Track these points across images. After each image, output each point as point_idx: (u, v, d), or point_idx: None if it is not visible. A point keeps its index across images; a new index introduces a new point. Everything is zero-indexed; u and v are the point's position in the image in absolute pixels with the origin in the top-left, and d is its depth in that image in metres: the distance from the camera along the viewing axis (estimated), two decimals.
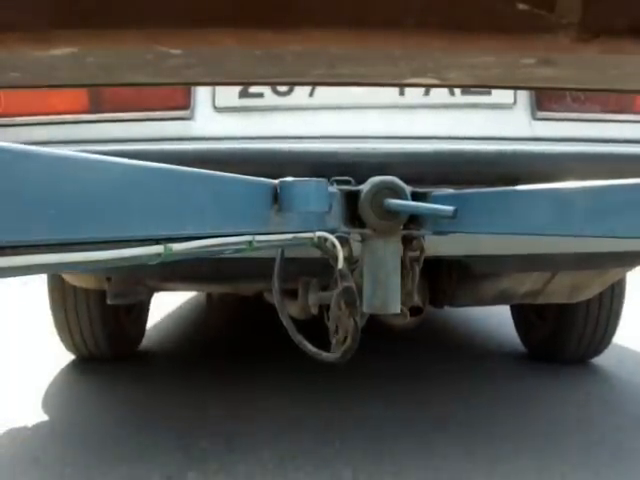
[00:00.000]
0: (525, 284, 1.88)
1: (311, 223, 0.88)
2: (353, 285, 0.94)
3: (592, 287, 1.98)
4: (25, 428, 1.71)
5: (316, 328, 1.21)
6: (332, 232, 0.93)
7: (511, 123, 1.50)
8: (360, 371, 2.13)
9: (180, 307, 3.82)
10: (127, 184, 0.53)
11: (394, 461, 1.46)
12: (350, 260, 1.03)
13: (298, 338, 1.04)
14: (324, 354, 1.02)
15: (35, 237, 0.44)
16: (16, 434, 1.67)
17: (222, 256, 0.79)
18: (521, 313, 2.56)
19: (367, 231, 1.03)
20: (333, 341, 1.02)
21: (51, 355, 2.46)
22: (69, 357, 2.43)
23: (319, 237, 0.90)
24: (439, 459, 1.47)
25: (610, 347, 2.37)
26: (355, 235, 1.05)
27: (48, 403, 1.94)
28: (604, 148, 1.46)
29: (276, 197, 0.77)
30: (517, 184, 0.97)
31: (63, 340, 2.33)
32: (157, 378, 2.23)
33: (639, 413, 1.85)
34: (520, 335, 2.61)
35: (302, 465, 1.44)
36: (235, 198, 0.71)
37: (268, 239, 0.78)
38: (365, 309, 1.02)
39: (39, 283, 2.50)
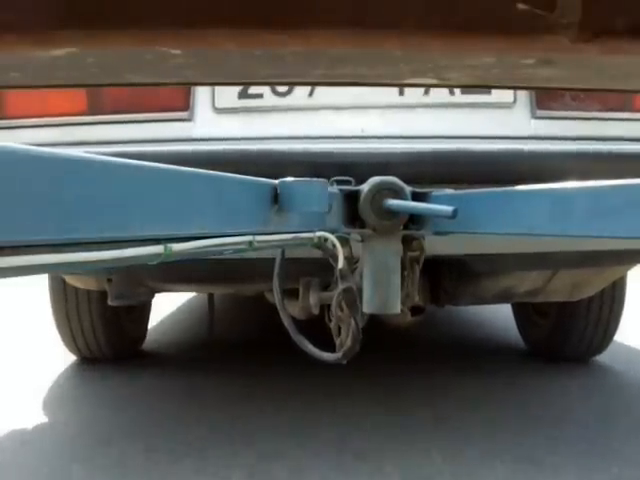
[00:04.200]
0: (526, 283, 1.88)
1: (311, 223, 0.89)
2: (353, 285, 0.94)
3: (593, 285, 1.98)
4: (26, 430, 1.71)
5: (318, 328, 1.21)
6: (332, 232, 0.93)
7: (511, 122, 1.50)
8: (358, 370, 2.13)
9: (182, 307, 3.83)
10: (127, 184, 0.53)
11: (394, 459, 1.46)
12: (350, 260, 1.03)
13: (299, 338, 1.04)
14: (325, 354, 1.02)
15: (35, 237, 0.44)
16: (18, 435, 1.67)
17: (223, 257, 0.79)
18: (522, 311, 2.56)
19: (367, 231, 1.03)
20: (337, 342, 1.02)
21: (53, 356, 2.46)
22: (71, 358, 2.43)
23: (319, 237, 0.90)
24: (438, 457, 1.47)
25: (612, 345, 2.37)
26: (355, 235, 1.05)
27: (49, 404, 1.94)
28: (604, 146, 1.46)
29: (276, 197, 0.77)
30: (517, 183, 0.97)
31: (64, 341, 2.33)
32: (158, 378, 2.23)
33: None
34: (521, 333, 2.61)
35: (305, 468, 1.44)
36: (235, 198, 0.71)
37: (268, 239, 0.78)
38: (365, 309, 1.02)
39: (31, 286, 2.51)
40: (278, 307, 1.06)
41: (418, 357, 2.54)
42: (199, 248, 0.63)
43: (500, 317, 3.21)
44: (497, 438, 1.61)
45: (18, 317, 3.54)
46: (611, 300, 2.23)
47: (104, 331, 2.27)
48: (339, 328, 0.99)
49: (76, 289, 2.13)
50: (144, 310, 2.55)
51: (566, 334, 2.30)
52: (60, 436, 1.66)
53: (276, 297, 1.05)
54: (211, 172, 0.66)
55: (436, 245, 1.16)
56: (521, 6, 0.55)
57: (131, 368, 2.34)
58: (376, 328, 1.58)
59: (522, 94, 1.51)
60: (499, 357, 2.53)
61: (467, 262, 1.62)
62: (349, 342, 0.95)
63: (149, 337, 2.69)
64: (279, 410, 1.82)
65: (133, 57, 0.56)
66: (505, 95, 1.51)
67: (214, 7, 0.53)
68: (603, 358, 2.39)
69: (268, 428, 1.67)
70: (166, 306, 3.56)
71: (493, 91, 1.50)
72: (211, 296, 2.37)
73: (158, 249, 0.57)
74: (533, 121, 1.51)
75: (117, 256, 0.53)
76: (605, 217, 0.74)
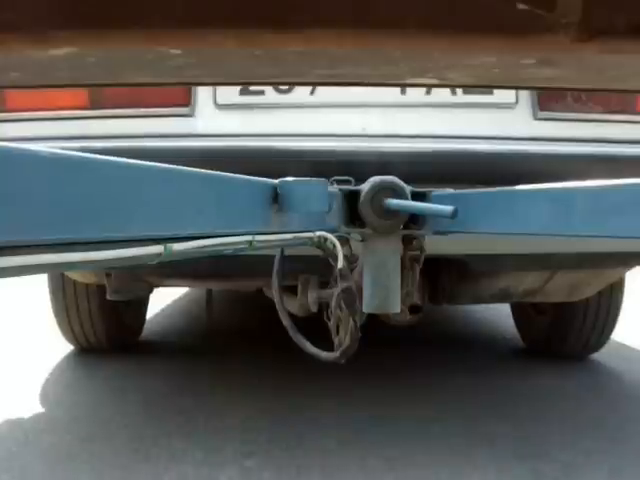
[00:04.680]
0: (524, 283, 1.88)
1: (311, 223, 0.89)
2: (353, 285, 0.94)
3: (591, 286, 1.98)
4: (24, 420, 1.72)
5: (317, 326, 1.22)
6: (332, 232, 0.93)
7: (513, 123, 1.50)
8: (359, 367, 2.13)
9: (181, 297, 3.84)
10: (127, 184, 0.53)
11: (395, 457, 1.46)
12: (350, 260, 1.03)
13: (297, 337, 1.04)
14: (324, 354, 1.02)
15: (35, 237, 0.44)
16: (17, 426, 1.67)
17: (222, 254, 0.79)
18: (520, 308, 2.57)
19: (367, 231, 1.03)
20: (336, 341, 1.02)
21: (50, 346, 2.47)
22: (69, 348, 2.44)
23: (319, 237, 0.90)
24: (438, 455, 1.47)
25: (609, 343, 2.37)
26: (355, 235, 1.06)
27: (47, 395, 1.95)
28: (605, 149, 1.46)
29: (276, 197, 0.77)
30: (518, 184, 0.97)
31: (63, 331, 2.34)
32: (156, 369, 2.23)
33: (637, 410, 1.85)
34: (519, 330, 2.62)
35: (302, 461, 1.44)
36: (235, 198, 0.71)
37: (268, 239, 0.78)
38: (365, 309, 1.02)
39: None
40: (277, 306, 1.06)
41: (416, 354, 2.54)
42: (199, 248, 0.63)
43: (497, 314, 3.21)
44: (497, 437, 1.61)
45: (18, 312, 3.55)
46: (609, 297, 2.23)
47: (102, 322, 2.28)
48: (338, 327, 0.99)
49: (74, 280, 2.14)
50: (142, 302, 2.56)
51: (564, 332, 2.31)
52: (59, 427, 1.66)
53: (275, 296, 1.05)
54: (211, 172, 0.66)
55: (435, 244, 1.16)
56: (521, 6, 0.55)
57: (129, 358, 2.35)
58: (374, 326, 1.58)
59: (524, 95, 1.51)
60: (495, 354, 2.53)
61: (466, 262, 1.62)
62: (348, 341, 0.95)
63: (147, 327, 2.70)
64: (277, 398, 1.83)
65: (133, 57, 0.56)
66: (507, 96, 1.51)
67: (214, 7, 0.53)
68: (600, 356, 2.40)
69: (268, 423, 1.67)
70: (165, 296, 3.57)
71: (495, 91, 1.50)
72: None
73: (158, 249, 0.57)
74: (535, 122, 1.50)
75: (117, 256, 0.53)
76: (605, 217, 0.74)
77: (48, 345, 2.54)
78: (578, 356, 2.38)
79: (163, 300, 3.54)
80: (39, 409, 1.84)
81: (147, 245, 0.56)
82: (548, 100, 1.50)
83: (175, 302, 3.72)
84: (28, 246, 0.44)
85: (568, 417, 1.79)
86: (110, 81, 0.63)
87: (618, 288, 2.22)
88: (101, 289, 2.03)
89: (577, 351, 2.36)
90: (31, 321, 3.13)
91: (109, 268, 1.62)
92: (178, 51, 0.55)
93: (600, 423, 1.74)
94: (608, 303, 2.24)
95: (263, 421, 1.70)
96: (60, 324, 2.31)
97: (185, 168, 0.62)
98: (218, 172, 0.68)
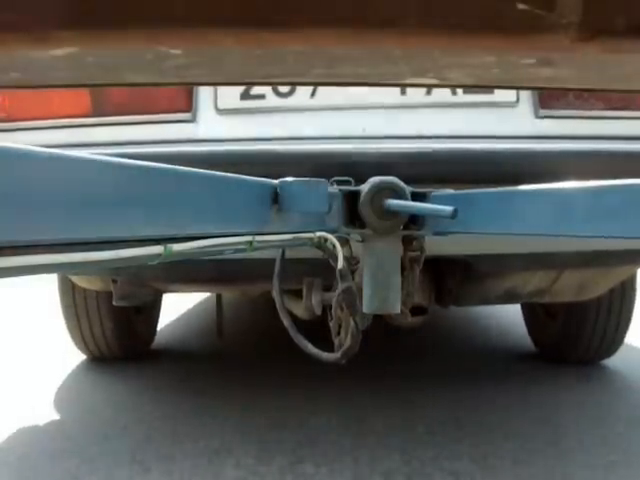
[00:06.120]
0: (531, 283, 1.87)
1: (311, 223, 0.89)
2: (353, 285, 0.94)
3: (600, 285, 1.96)
4: (37, 427, 1.72)
5: (318, 327, 1.21)
6: (332, 232, 0.93)
7: (514, 121, 1.50)
8: (364, 372, 2.13)
9: (195, 306, 3.84)
10: (127, 184, 0.53)
11: (399, 460, 1.46)
12: (350, 260, 1.03)
13: (298, 338, 1.04)
14: (325, 355, 1.02)
15: (35, 237, 0.44)
16: (29, 432, 1.68)
17: (226, 257, 0.79)
18: (532, 312, 2.55)
19: (367, 231, 1.03)
20: (336, 342, 1.02)
21: (63, 354, 2.48)
22: (81, 357, 2.45)
23: (319, 237, 0.90)
24: (444, 458, 1.47)
25: (622, 349, 2.35)
26: (355, 235, 1.05)
27: (60, 402, 1.96)
28: (607, 145, 1.46)
29: (276, 197, 0.77)
30: (520, 183, 0.97)
31: (74, 340, 2.35)
32: (168, 379, 2.23)
33: None
34: (531, 334, 2.60)
35: (305, 469, 1.44)
36: (235, 198, 0.71)
37: (268, 239, 0.78)
38: (365, 309, 1.02)
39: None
40: (278, 307, 1.06)
41: (419, 355, 2.54)
42: (199, 248, 0.63)
43: (508, 317, 3.20)
44: (500, 441, 1.61)
45: (32, 317, 3.55)
46: (621, 301, 2.20)
47: (113, 330, 2.28)
48: (339, 328, 0.99)
49: (85, 289, 2.14)
50: (153, 310, 2.56)
51: (575, 336, 2.28)
52: (70, 435, 1.67)
53: (276, 298, 1.05)
54: (211, 172, 0.66)
55: (439, 245, 1.16)
56: (521, 6, 0.55)
57: (140, 368, 2.35)
58: (381, 328, 1.58)
59: (525, 93, 1.50)
60: (507, 358, 2.52)
61: (471, 262, 1.62)
62: (348, 342, 0.95)
63: (159, 336, 2.71)
64: (282, 409, 1.82)
65: (133, 57, 0.56)
66: (508, 94, 1.50)
67: (214, 7, 0.54)
68: (612, 362, 2.38)
69: (273, 434, 1.67)
70: (178, 305, 3.57)
71: (496, 90, 1.49)
72: (219, 297, 2.37)
73: (158, 249, 0.57)
74: (536, 120, 1.50)
75: (117, 256, 0.53)
76: (606, 217, 0.74)
77: (63, 348, 2.55)
78: (590, 361, 2.35)
79: (176, 308, 3.54)
80: (53, 413, 1.84)
81: (147, 245, 0.56)
82: (549, 98, 1.50)
83: (188, 311, 3.72)
84: (28, 246, 0.44)
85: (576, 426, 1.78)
86: (110, 81, 0.64)
87: (630, 286, 2.19)
88: (111, 297, 2.03)
89: (589, 356, 2.32)
90: (46, 323, 3.14)
91: (113, 270, 1.62)
92: (178, 51, 0.55)
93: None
94: (620, 307, 2.20)
95: (271, 442, 1.69)
96: (71, 333, 2.31)
97: (185, 168, 0.62)
98: (218, 172, 0.68)
